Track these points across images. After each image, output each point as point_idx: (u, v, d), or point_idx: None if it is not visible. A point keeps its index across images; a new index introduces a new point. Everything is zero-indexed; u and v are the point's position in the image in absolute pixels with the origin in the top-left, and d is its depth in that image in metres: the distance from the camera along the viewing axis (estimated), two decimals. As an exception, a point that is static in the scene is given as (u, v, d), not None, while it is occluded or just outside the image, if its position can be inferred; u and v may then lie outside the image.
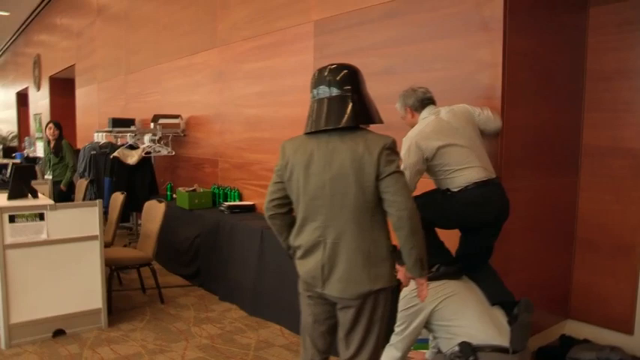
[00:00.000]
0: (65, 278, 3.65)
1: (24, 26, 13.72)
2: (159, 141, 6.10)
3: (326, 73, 2.07)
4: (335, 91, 2.03)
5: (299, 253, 2.13)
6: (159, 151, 6.21)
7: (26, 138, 12.70)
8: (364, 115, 2.05)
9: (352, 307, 2.05)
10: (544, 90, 3.20)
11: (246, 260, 4.12)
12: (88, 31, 9.35)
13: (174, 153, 6.21)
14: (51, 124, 6.19)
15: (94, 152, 6.35)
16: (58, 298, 3.63)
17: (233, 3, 5.14)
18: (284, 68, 4.51)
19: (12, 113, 16.08)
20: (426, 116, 2.81)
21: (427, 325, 2.66)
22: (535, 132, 3.18)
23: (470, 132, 2.76)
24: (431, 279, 2.69)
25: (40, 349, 3.45)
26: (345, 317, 2.10)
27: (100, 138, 6.78)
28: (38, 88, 12.85)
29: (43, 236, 3.54)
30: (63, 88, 11.50)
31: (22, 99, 14.73)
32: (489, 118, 2.86)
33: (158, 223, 4.31)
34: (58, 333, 3.64)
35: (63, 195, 6.08)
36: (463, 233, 2.83)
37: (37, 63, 12.73)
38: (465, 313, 2.59)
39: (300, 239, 2.11)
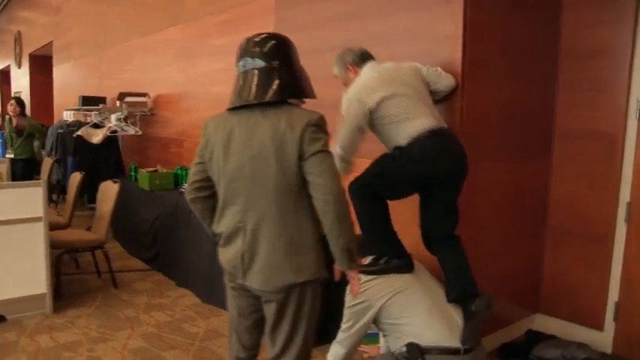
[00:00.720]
0: (6, 261, 3.47)
1: (6, 1, 13.40)
2: (125, 120, 5.88)
3: (252, 44, 1.87)
4: (260, 63, 1.84)
5: (221, 240, 1.95)
6: (126, 131, 6.00)
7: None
8: (292, 89, 1.87)
9: (275, 301, 1.87)
10: (512, 67, 2.99)
11: (202, 245, 3.94)
12: (65, 6, 9.09)
13: (141, 132, 6.00)
14: (12, 101, 5.99)
15: (61, 131, 6.16)
16: (-3, 282, 3.44)
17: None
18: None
19: (-5, 91, 15.82)
20: (369, 71, 2.62)
21: (375, 322, 2.48)
22: (500, 112, 2.97)
23: (417, 84, 2.58)
24: (379, 272, 2.52)
25: (-26, 336, 3.27)
26: (269, 312, 1.92)
27: (69, 117, 6.58)
28: (19, 65, 12.59)
29: (-20, 216, 3.35)
30: (42, 66, 11.27)
31: (5, 77, 14.45)
32: (440, 74, 2.67)
33: (111, 203, 4.12)
34: (0, 319, 3.47)
35: (24, 173, 5.88)
36: (422, 200, 2.61)
37: (18, 40, 12.46)
38: (414, 310, 2.41)
39: (222, 225, 1.92)
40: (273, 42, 1.87)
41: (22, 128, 6.01)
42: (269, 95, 1.80)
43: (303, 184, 1.79)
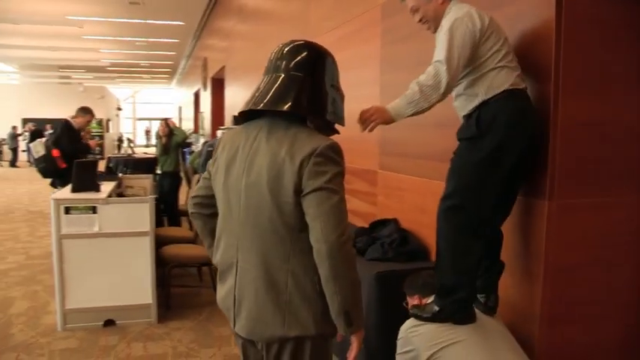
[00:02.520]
0: (117, 271, 3.88)
1: (198, 32, 15.30)
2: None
3: (283, 51, 1.70)
4: (284, 72, 1.66)
5: (218, 272, 1.78)
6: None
7: (193, 134, 14.10)
8: (312, 104, 1.64)
9: (268, 354, 1.66)
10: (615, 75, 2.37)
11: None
12: (234, 31, 10.00)
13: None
14: (163, 122, 6.70)
15: (210, 149, 6.72)
16: (109, 289, 3.88)
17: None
18: (351, 60, 4.21)
19: (192, 112, 18.14)
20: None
21: None
22: (604, 131, 2.39)
23: None
24: (432, 320, 2.21)
25: (85, 335, 3.72)
26: None
27: (221, 135, 7.18)
28: (205, 88, 14.20)
29: (95, 229, 3.80)
30: (219, 88, 12.51)
31: (196, 98, 16.45)
32: None
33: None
34: (109, 323, 3.88)
35: (171, 187, 6.55)
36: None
37: (204, 65, 14.07)
38: None
39: (217, 256, 1.76)
40: (305, 52, 1.69)
41: (169, 146, 6.71)
42: (282, 105, 1.60)
43: (303, 222, 1.55)
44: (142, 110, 36.56)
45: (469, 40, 2.04)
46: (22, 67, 23.48)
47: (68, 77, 24.83)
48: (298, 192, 1.54)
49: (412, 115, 2.10)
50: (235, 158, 1.67)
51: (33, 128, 19.07)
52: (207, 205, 1.82)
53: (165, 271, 4.28)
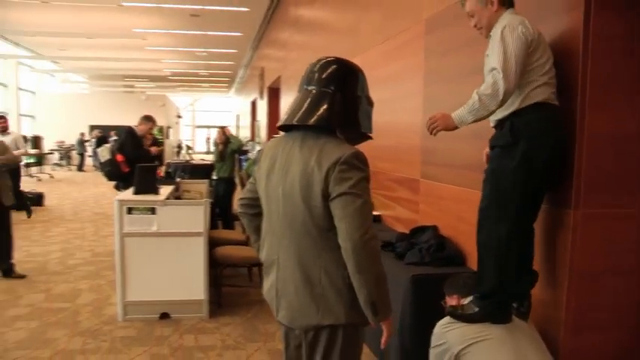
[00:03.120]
0: (173, 268, 4.21)
1: (256, 43, 15.84)
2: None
3: (315, 67, 1.91)
4: (316, 87, 1.87)
5: (263, 267, 2.03)
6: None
7: (249, 142, 14.59)
8: (342, 117, 1.84)
9: (305, 341, 1.89)
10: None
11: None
12: (290, 41, 10.36)
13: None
14: (220, 130, 7.07)
15: (263, 156, 7.04)
16: (166, 284, 4.21)
17: (375, 5, 5.16)
18: (397, 72, 4.40)
19: (249, 120, 18.71)
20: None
21: None
22: (628, 143, 2.47)
23: None
24: (468, 320, 2.36)
25: (143, 326, 4.07)
26: (303, 353, 1.93)
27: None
28: (261, 97, 14.66)
29: (154, 228, 4.15)
30: (275, 97, 12.91)
31: (253, 107, 16.98)
32: None
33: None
34: (164, 316, 4.22)
35: (225, 192, 6.91)
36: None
37: (261, 75, 14.55)
38: None
39: (262, 254, 2.00)
40: (334, 67, 1.89)
41: (225, 153, 7.08)
42: (314, 119, 1.80)
43: (331, 224, 1.75)
44: (202, 118, 37.83)
45: (522, 46, 2.17)
46: (91, 77, 24.93)
47: (132, 86, 26.10)
48: (326, 197, 1.74)
49: (473, 122, 2.27)
50: (274, 166, 1.90)
51: (99, 135, 20.16)
52: (253, 205, 2.06)
53: (218, 271, 4.58)
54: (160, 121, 24.21)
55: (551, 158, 2.23)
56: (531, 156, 2.20)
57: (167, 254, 4.19)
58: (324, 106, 1.82)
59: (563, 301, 2.35)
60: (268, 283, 1.97)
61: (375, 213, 4.87)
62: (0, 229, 5.37)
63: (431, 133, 2.35)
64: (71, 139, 22.49)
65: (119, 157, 5.87)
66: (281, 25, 11.56)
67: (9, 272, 5.36)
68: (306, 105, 1.84)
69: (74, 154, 22.39)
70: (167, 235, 4.17)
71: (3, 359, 3.49)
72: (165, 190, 4.76)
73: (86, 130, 23.45)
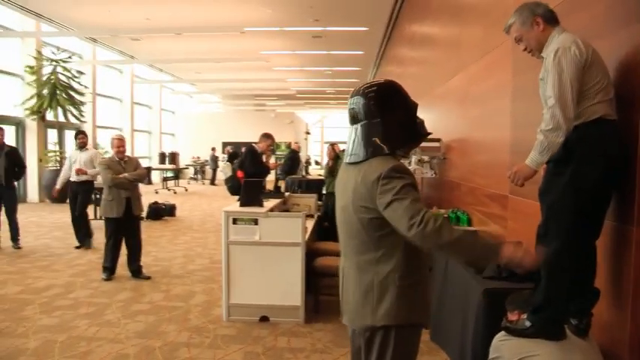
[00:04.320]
0: (273, 275, 4.64)
1: (378, 60, 16.27)
2: (422, 162, 6.63)
3: (355, 99, 2.11)
4: (362, 119, 2.07)
5: None
6: (425, 173, 6.74)
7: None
8: (392, 142, 2.04)
9: (363, 341, 2.11)
10: None
11: (433, 281, 4.25)
12: (406, 58, 10.60)
13: (436, 175, 6.64)
14: (330, 146, 7.49)
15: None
16: (266, 290, 4.65)
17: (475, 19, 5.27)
18: (490, 89, 4.48)
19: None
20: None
21: None
22: None
23: None
24: (522, 335, 2.46)
25: (243, 326, 4.54)
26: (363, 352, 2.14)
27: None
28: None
29: (256, 238, 4.61)
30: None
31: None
32: None
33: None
34: (264, 319, 4.65)
35: (332, 207, 7.26)
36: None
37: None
38: None
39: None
40: (372, 95, 2.06)
41: (335, 169, 7.47)
42: (365, 154, 2.03)
43: (381, 233, 1.99)
44: (330, 134, 38.98)
45: (577, 69, 2.26)
46: (225, 97, 26.94)
47: (263, 105, 27.75)
48: (372, 209, 1.97)
49: (550, 158, 2.37)
50: (339, 185, 2.23)
51: (231, 151, 21.74)
52: None
53: (316, 279, 4.93)
54: (289, 137, 25.54)
55: (605, 177, 2.27)
56: (581, 175, 2.27)
57: (268, 262, 4.63)
58: (373, 139, 2.04)
59: (628, 321, 2.36)
60: (340, 289, 2.25)
61: (471, 229, 4.94)
62: (131, 235, 6.19)
63: (517, 185, 2.46)
64: (206, 155, 24.47)
65: (239, 173, 6.51)
66: (399, 42, 11.84)
67: (137, 273, 6.18)
68: (357, 143, 2.07)
69: (207, 168, 24.31)
70: (268, 244, 4.62)
71: (123, 344, 4.12)
72: (270, 203, 5.22)
73: (219, 147, 25.33)
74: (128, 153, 6.27)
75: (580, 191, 2.28)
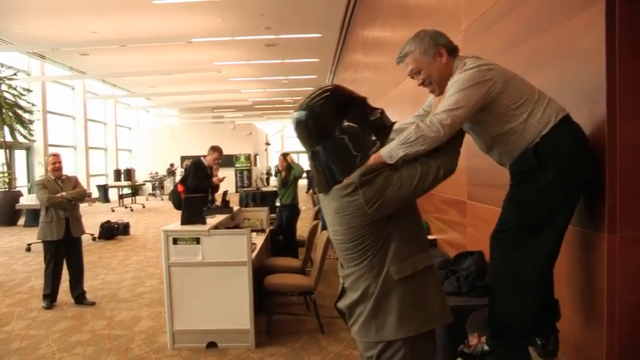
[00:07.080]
0: (218, 297, 4.23)
1: (334, 67, 16.03)
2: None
3: (297, 133, 1.94)
4: (308, 148, 1.92)
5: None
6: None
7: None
8: (343, 168, 1.84)
9: (373, 355, 1.92)
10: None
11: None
12: (361, 63, 10.37)
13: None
14: (281, 157, 7.12)
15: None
16: (212, 314, 4.23)
17: (421, 19, 5.01)
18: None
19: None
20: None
21: None
22: None
23: None
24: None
25: (189, 355, 4.11)
26: None
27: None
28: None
29: (199, 258, 4.20)
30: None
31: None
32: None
33: (320, 252, 4.53)
34: (211, 345, 4.23)
35: (289, 218, 6.92)
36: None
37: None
38: None
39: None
40: (305, 131, 1.89)
41: (288, 180, 7.10)
42: (328, 187, 1.88)
43: (379, 245, 1.83)
44: (291, 143, 38.68)
45: (486, 92, 1.96)
46: (182, 111, 26.35)
47: (221, 117, 27.24)
48: (363, 216, 1.80)
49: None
50: (324, 210, 2.02)
51: (188, 165, 21.19)
52: None
53: (268, 299, 4.54)
54: (248, 149, 25.09)
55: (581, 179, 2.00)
56: (565, 175, 1.98)
57: (213, 283, 4.22)
58: (325, 172, 1.87)
59: (603, 336, 2.06)
60: (341, 302, 2.02)
61: (430, 237, 4.65)
62: (72, 259, 5.68)
63: None
64: (164, 170, 23.77)
65: (179, 188, 6.07)
66: (353, 47, 11.61)
67: (81, 299, 5.67)
68: (317, 177, 1.92)
69: (166, 183, 23.65)
70: (212, 264, 4.21)
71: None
72: (214, 220, 4.82)
73: (178, 161, 24.70)
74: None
75: (567, 196, 2.01)
